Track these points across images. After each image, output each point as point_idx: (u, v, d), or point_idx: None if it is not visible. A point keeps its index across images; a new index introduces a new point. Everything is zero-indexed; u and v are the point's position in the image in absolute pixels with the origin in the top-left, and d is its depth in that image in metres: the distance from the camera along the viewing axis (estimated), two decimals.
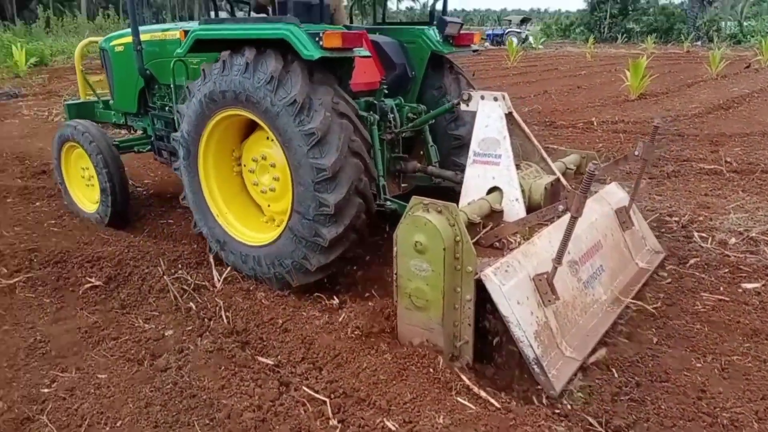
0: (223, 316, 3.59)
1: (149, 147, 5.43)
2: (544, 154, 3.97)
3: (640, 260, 4.25)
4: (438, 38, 4.53)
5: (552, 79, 18.18)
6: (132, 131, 5.84)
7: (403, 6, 70.83)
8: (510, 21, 49.90)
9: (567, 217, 3.58)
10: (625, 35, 45.72)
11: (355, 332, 3.35)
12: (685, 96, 13.81)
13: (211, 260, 4.23)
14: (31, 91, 14.45)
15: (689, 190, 6.33)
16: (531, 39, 43.35)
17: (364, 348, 3.23)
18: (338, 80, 3.76)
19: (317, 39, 3.36)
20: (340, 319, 3.52)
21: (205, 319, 3.61)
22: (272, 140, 3.74)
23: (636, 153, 4.07)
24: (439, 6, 5.05)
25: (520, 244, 3.30)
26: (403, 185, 4.58)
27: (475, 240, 3.24)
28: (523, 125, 3.95)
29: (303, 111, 3.43)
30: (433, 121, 4.44)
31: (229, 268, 4.16)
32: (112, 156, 5.04)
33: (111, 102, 5.76)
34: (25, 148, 8.18)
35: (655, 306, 3.82)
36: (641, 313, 3.75)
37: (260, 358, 3.21)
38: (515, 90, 14.92)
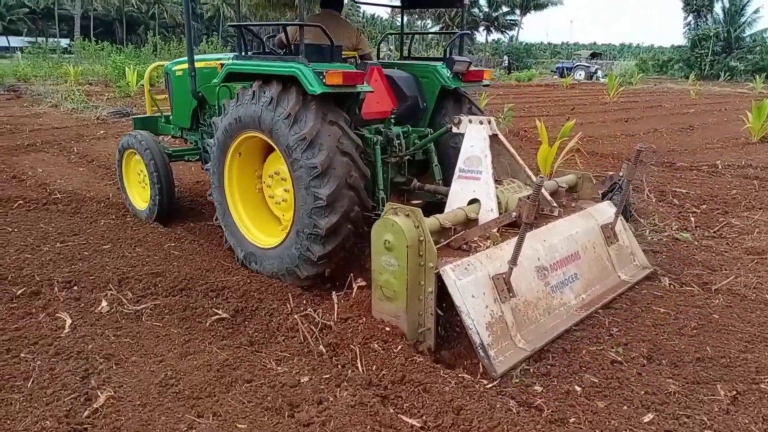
0: (359, 365, 3.36)
1: (198, 157, 6.26)
2: (529, 172, 4.43)
3: (623, 273, 4.58)
4: (448, 74, 5.08)
5: (658, 117, 17.40)
6: (186, 143, 6.71)
7: (491, 38, 71.87)
8: (579, 55, 49.86)
9: (549, 227, 4.13)
10: (728, 73, 43.61)
11: (510, 404, 3.04)
12: None
13: (334, 297, 4.00)
14: (140, 110, 15.27)
15: None
16: (600, 73, 43.11)
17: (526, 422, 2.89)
18: (346, 110, 4.36)
19: (321, 77, 3.98)
20: (488, 386, 3.21)
21: (339, 366, 3.40)
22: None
23: (620, 174, 4.48)
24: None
25: (488, 248, 3.73)
26: (414, 202, 5.11)
27: (446, 242, 3.75)
28: (509, 146, 4.43)
29: (311, 147, 4.05)
30: (432, 143, 5.01)
31: (352, 306, 3.94)
32: (162, 163, 5.82)
33: (171, 117, 6.61)
34: None
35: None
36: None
37: (404, 418, 2.97)
38: (621, 127, 14.46)
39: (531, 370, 3.40)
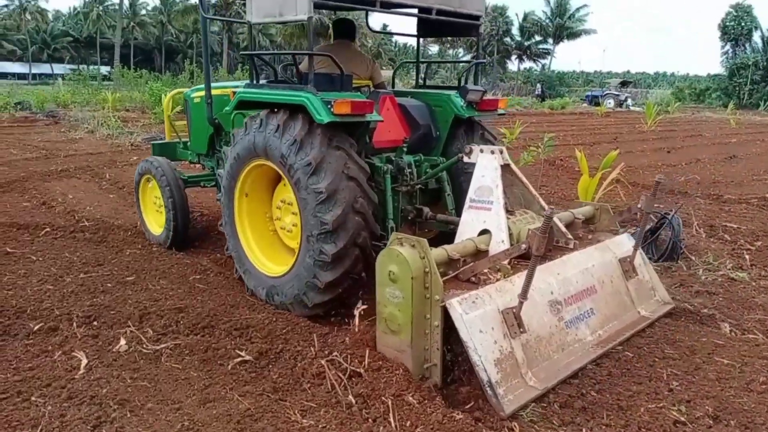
0: (392, 420, 3.08)
1: (213, 183, 6.25)
2: (542, 203, 4.29)
3: (643, 309, 4.38)
4: (462, 103, 5.03)
5: (699, 146, 16.94)
6: (204, 168, 6.73)
7: (523, 66, 71.87)
8: (609, 83, 49.73)
9: (563, 259, 4.00)
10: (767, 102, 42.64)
11: None
12: None
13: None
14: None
15: None
16: (630, 101, 42.93)
17: None
18: (356, 139, 4.33)
19: (329, 106, 3.98)
20: None
21: (370, 420, 3.12)
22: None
23: (639, 206, 4.34)
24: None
25: (498, 280, 3.59)
26: (426, 231, 5.06)
27: (454, 274, 3.61)
28: (521, 176, 4.32)
29: (316, 172, 4.01)
30: (446, 172, 4.95)
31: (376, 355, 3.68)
32: (178, 189, 5.87)
33: (188, 143, 6.66)
34: None
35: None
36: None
37: None
38: (661, 157, 14.10)
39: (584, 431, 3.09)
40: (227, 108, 4.93)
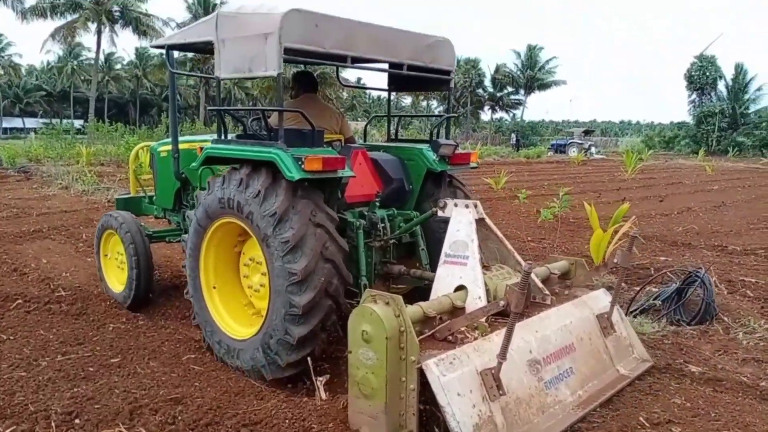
0: None
1: (179, 239, 5.94)
2: (518, 257, 4.21)
3: (622, 367, 4.27)
4: (434, 157, 5.00)
5: (684, 194, 16.85)
6: (170, 223, 6.55)
7: (496, 116, 73.44)
8: (572, 133, 51.20)
9: (541, 316, 3.88)
10: (736, 149, 43.81)
11: None
12: None
13: None
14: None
15: None
16: (593, 149, 44.15)
17: None
18: (326, 196, 4.22)
19: (300, 163, 3.88)
20: None
21: None
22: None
23: (615, 261, 4.28)
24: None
25: (475, 339, 3.46)
26: (400, 286, 4.98)
27: (430, 333, 3.48)
28: (497, 231, 4.25)
29: (281, 222, 3.90)
30: (420, 227, 4.90)
31: None
32: (142, 245, 5.66)
33: (154, 198, 6.46)
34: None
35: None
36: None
37: None
38: (653, 206, 13.78)
39: None
40: (194, 164, 4.79)
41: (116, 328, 5.24)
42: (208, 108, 5.22)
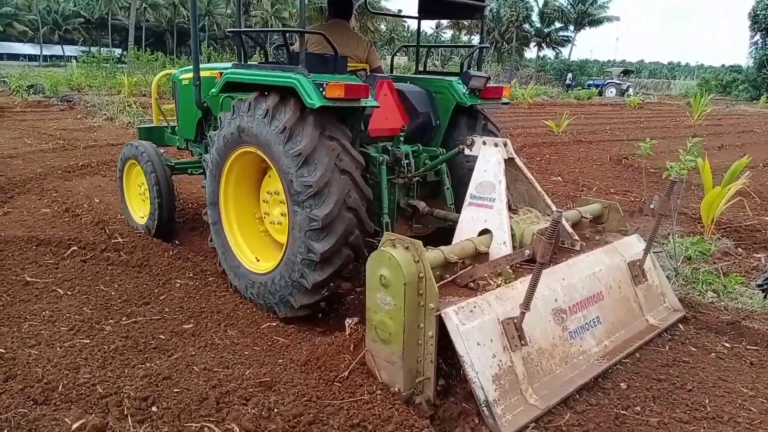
0: None
1: (201, 170, 5.72)
2: (548, 201, 4.00)
3: (652, 317, 4.12)
4: (464, 91, 4.73)
5: (762, 144, 15.81)
6: (192, 155, 6.38)
7: (541, 53, 70.43)
8: (611, 72, 49.09)
9: (569, 263, 3.70)
10: None
11: None
12: None
13: None
14: None
15: None
16: (631, 91, 42.61)
17: None
18: (350, 127, 4.03)
19: (321, 89, 3.68)
20: None
21: None
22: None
23: (651, 206, 4.04)
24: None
25: (498, 286, 3.32)
26: (423, 226, 4.78)
27: (451, 279, 3.33)
28: (527, 172, 4.01)
29: (306, 164, 3.73)
30: (445, 164, 4.66)
31: None
32: (164, 177, 5.57)
33: (176, 128, 6.32)
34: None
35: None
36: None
37: None
38: (730, 157, 11.40)
39: None
40: (213, 90, 4.63)
41: (184, 285, 4.72)
42: (227, 30, 5.61)
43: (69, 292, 4.45)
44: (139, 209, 6.02)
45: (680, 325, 4.21)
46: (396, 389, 3.09)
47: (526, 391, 3.07)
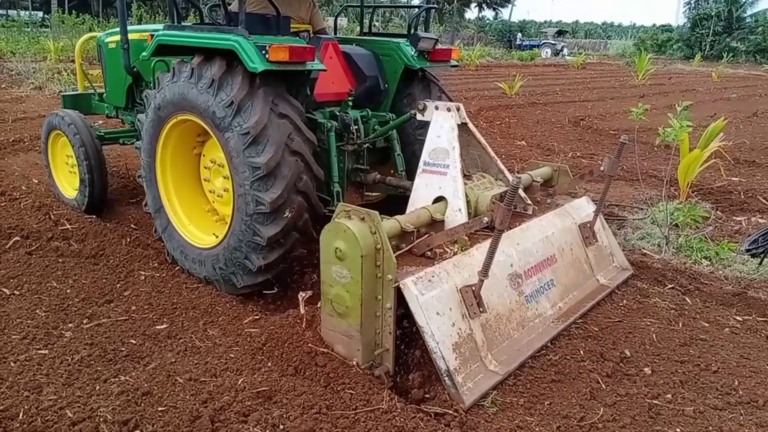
0: None
1: (134, 140, 5.43)
2: (501, 166, 3.99)
3: (602, 277, 4.22)
4: (412, 53, 4.61)
5: (706, 103, 15.75)
6: (123, 123, 6.10)
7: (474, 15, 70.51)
8: (546, 33, 50.56)
9: (522, 228, 3.69)
10: (730, 54, 42.79)
11: None
12: None
13: None
14: None
15: None
16: (566, 51, 43.58)
17: None
18: (295, 93, 3.86)
19: (264, 52, 3.46)
20: None
21: None
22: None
23: (601, 168, 4.08)
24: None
25: (455, 254, 3.29)
26: (374, 194, 4.69)
27: (407, 248, 3.29)
28: (480, 137, 3.96)
29: (255, 143, 3.51)
30: (395, 130, 4.52)
31: None
32: (93, 149, 5.26)
33: (104, 95, 5.96)
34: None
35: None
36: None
37: None
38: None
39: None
40: (144, 54, 4.29)
41: (149, 278, 4.23)
42: None
43: (16, 292, 3.91)
44: (69, 183, 5.71)
45: (687, 299, 4.19)
46: (354, 362, 3.06)
47: (486, 357, 3.09)
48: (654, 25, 64.43)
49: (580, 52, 43.90)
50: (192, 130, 4.13)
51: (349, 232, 2.94)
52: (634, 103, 14.31)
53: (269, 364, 3.14)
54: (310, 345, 3.22)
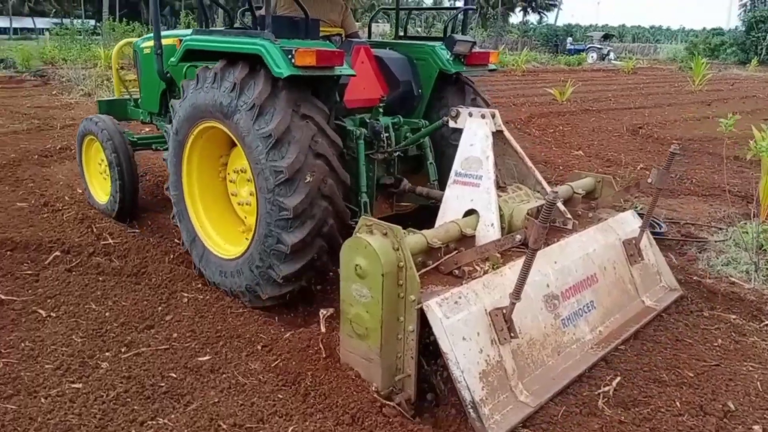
0: None
1: (167, 146, 5.31)
2: (539, 177, 3.76)
3: (648, 298, 3.92)
4: (448, 56, 4.44)
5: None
6: (157, 129, 6.04)
7: (527, 19, 69.59)
8: (592, 37, 49.70)
9: (561, 244, 3.44)
10: None
11: None
12: None
13: None
14: None
15: None
16: (612, 56, 42.67)
17: None
18: (324, 98, 3.72)
19: (290, 56, 3.34)
20: None
21: None
22: None
23: (649, 180, 3.82)
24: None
25: (486, 273, 3.06)
26: (404, 205, 4.52)
27: (434, 266, 3.08)
28: (516, 145, 3.77)
29: (277, 147, 3.42)
30: (428, 138, 4.38)
31: None
32: (125, 153, 5.28)
33: (139, 101, 5.97)
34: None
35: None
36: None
37: None
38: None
39: None
40: (173, 59, 4.25)
41: (192, 300, 3.98)
42: None
43: (53, 314, 3.73)
44: (101, 188, 5.71)
45: None
46: (373, 388, 2.88)
47: (516, 387, 2.86)
48: (704, 28, 62.47)
49: (630, 56, 42.94)
50: (218, 137, 4.04)
51: (370, 248, 2.76)
52: (694, 110, 13.63)
53: (321, 408, 2.84)
54: (372, 391, 2.90)
